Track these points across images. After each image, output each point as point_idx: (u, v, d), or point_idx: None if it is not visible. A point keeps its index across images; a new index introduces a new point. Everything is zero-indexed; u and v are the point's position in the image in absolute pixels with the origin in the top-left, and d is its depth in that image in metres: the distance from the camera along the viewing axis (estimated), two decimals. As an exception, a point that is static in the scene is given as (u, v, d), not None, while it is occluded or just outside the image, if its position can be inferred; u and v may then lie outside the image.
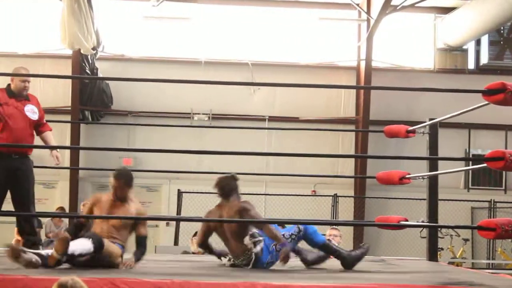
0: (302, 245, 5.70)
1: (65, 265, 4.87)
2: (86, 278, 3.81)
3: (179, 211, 12.56)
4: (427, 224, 6.38)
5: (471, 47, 15.49)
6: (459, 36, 14.74)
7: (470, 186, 15.31)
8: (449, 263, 11.46)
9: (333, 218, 13.78)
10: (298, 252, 5.66)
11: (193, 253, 9.57)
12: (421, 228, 6.62)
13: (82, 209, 9.38)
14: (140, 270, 4.84)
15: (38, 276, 4.17)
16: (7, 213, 6.23)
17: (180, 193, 12.69)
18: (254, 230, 5.47)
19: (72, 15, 13.13)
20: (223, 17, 15.10)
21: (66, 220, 11.59)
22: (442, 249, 12.35)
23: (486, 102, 4.86)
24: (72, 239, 4.95)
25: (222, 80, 6.16)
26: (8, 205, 6.23)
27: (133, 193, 5.41)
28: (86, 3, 13.36)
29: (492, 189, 15.19)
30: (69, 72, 14.15)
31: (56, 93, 14.51)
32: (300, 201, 14.15)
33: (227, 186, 5.58)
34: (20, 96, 6.16)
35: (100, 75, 14.50)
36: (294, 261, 5.68)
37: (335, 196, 14.10)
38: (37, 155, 6.80)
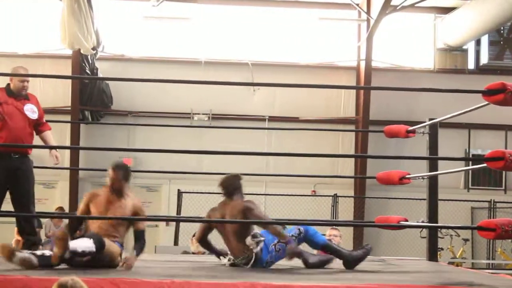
0: (303, 247, 5.69)
1: (65, 265, 4.87)
2: (86, 278, 3.81)
3: (179, 211, 12.55)
4: (427, 224, 6.38)
5: (471, 47, 15.49)
6: (459, 36, 14.74)
7: (470, 186, 15.31)
8: (449, 263, 11.46)
9: (333, 218, 13.78)
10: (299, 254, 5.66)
11: (193, 253, 9.58)
12: (421, 228, 6.62)
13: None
14: (140, 270, 4.84)
15: (38, 276, 4.16)
16: (7, 213, 6.23)
17: (180, 193, 12.69)
18: (256, 230, 5.48)
19: (72, 15, 13.13)
20: (223, 17, 15.10)
21: (66, 220, 11.58)
22: (442, 249, 12.35)
23: (486, 102, 4.86)
24: (71, 236, 4.95)
25: (222, 80, 6.17)
26: (8, 205, 6.23)
27: (129, 188, 5.39)
28: (86, 3, 13.36)
29: (492, 189, 15.20)
30: (69, 72, 14.15)
31: (56, 93, 14.52)
32: (300, 201, 14.15)
33: (231, 185, 5.61)
34: (19, 95, 6.17)
35: (100, 75, 14.50)
36: (294, 262, 5.69)
37: (335, 196, 14.11)
38: (37, 155, 6.80)
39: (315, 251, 6.52)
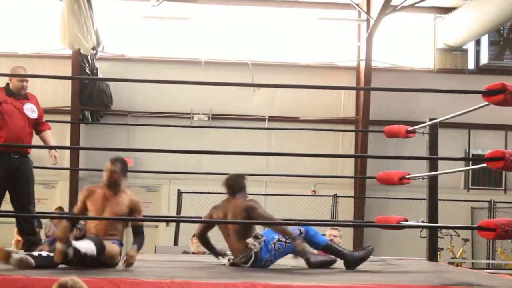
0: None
1: (65, 265, 4.86)
2: (86, 278, 3.81)
3: (179, 211, 12.55)
4: (427, 224, 6.37)
5: (471, 47, 15.49)
6: (459, 36, 14.74)
7: (470, 186, 15.31)
8: (449, 263, 11.46)
9: (333, 218, 13.78)
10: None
11: (193, 253, 9.58)
12: (421, 228, 6.62)
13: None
14: (140, 270, 4.84)
15: (38, 276, 4.16)
16: (7, 213, 6.23)
17: (180, 193, 12.69)
18: (258, 229, 5.50)
19: (72, 15, 13.13)
20: (223, 17, 15.10)
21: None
22: (442, 249, 12.35)
23: (486, 103, 4.86)
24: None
25: (222, 80, 6.17)
26: (8, 205, 6.23)
27: (126, 185, 5.38)
28: (86, 3, 13.36)
29: (492, 189, 15.20)
30: (69, 72, 14.15)
31: (56, 93, 14.52)
32: (300, 201, 14.14)
33: (235, 184, 5.64)
34: (18, 95, 6.17)
35: (100, 75, 14.50)
36: (295, 261, 5.69)
37: (335, 196, 14.10)
38: (37, 155, 6.80)
39: (315, 252, 6.52)
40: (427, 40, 15.55)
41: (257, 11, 15.20)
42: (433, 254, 6.58)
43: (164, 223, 14.52)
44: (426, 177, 6.43)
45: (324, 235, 6.28)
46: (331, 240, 6.13)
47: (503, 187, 15.34)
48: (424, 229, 6.58)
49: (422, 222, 6.33)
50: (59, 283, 3.11)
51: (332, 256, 5.66)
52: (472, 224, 13.78)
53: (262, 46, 15.12)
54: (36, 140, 6.44)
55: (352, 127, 15.09)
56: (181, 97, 14.59)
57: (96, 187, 5.37)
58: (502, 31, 15.17)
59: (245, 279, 4.26)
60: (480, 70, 15.37)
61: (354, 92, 15.22)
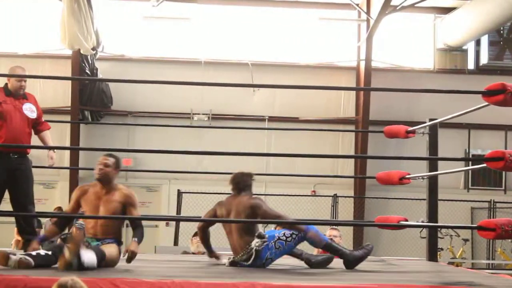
0: (304, 246, 5.69)
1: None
2: (86, 278, 3.81)
3: (179, 211, 12.55)
4: (427, 224, 6.38)
5: (471, 47, 15.49)
6: (459, 36, 14.74)
7: (470, 186, 15.32)
8: (449, 263, 11.45)
9: (333, 218, 13.78)
10: (299, 255, 5.65)
11: (193, 253, 9.57)
12: (421, 228, 6.62)
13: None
14: (140, 270, 4.84)
15: (38, 276, 4.16)
16: (7, 213, 6.23)
17: (180, 193, 12.69)
18: (260, 227, 5.51)
19: (72, 15, 13.13)
20: (223, 17, 15.10)
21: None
22: (442, 249, 12.34)
23: (486, 103, 4.86)
24: (61, 229, 5.06)
25: (222, 81, 6.18)
26: (7, 205, 6.22)
27: (125, 184, 5.36)
28: (86, 3, 13.35)
29: (492, 189, 15.19)
30: (69, 73, 14.15)
31: (55, 93, 14.52)
32: (300, 201, 14.14)
33: (242, 182, 5.66)
34: (17, 95, 6.17)
35: (100, 75, 14.50)
36: (295, 261, 5.68)
37: (335, 196, 14.10)
38: (36, 156, 6.80)
39: (315, 251, 6.53)
40: (427, 40, 15.55)
41: (257, 11, 15.20)
42: (433, 254, 6.58)
43: (164, 223, 14.53)
44: (426, 177, 6.43)
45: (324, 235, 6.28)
46: (331, 240, 6.13)
47: (503, 187, 15.34)
48: (424, 229, 6.59)
49: (422, 222, 6.34)
50: (59, 283, 3.11)
51: (331, 255, 5.66)
52: (472, 224, 13.78)
53: (262, 46, 15.12)
54: (35, 140, 6.44)
55: (352, 127, 15.09)
56: (181, 97, 14.58)
57: (89, 186, 5.33)
58: (502, 31, 15.17)
59: (245, 279, 4.26)
60: (480, 70, 15.37)
61: (354, 92, 15.22)
